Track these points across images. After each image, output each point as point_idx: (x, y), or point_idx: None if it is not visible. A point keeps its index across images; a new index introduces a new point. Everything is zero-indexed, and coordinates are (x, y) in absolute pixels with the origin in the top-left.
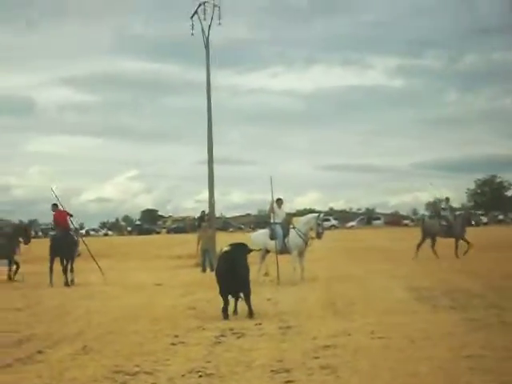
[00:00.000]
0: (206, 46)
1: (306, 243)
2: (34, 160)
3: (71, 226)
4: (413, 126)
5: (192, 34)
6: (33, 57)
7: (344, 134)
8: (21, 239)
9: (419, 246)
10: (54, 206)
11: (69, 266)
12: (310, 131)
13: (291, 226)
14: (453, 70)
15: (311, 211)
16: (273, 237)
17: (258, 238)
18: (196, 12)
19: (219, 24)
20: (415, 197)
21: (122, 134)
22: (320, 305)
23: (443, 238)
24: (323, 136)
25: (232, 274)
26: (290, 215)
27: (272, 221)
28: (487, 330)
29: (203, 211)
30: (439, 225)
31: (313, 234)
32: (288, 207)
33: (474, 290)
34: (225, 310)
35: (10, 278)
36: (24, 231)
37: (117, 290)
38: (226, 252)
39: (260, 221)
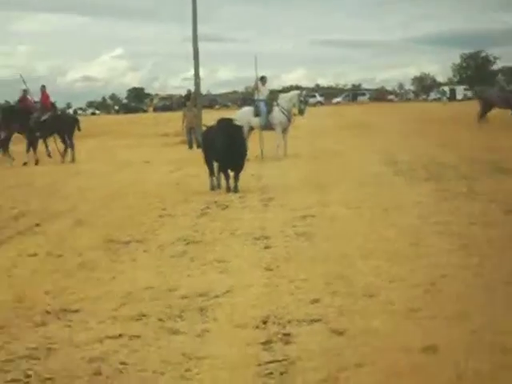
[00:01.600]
0: None
1: (289, 120)
2: (21, 39)
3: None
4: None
5: None
6: None
7: (330, 9)
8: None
9: (481, 115)
10: (43, 87)
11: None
12: (297, 7)
13: (274, 103)
14: None
15: (297, 88)
16: (257, 114)
17: (243, 115)
18: None
19: None
20: (403, 72)
21: (108, 11)
22: (300, 179)
23: (501, 109)
24: (310, 11)
25: (235, 150)
26: (274, 92)
27: (256, 98)
28: (456, 198)
29: (189, 90)
30: (497, 96)
31: (296, 110)
32: (275, 84)
33: (451, 162)
34: (217, 183)
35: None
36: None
37: (106, 167)
38: (227, 129)
39: (247, 98)
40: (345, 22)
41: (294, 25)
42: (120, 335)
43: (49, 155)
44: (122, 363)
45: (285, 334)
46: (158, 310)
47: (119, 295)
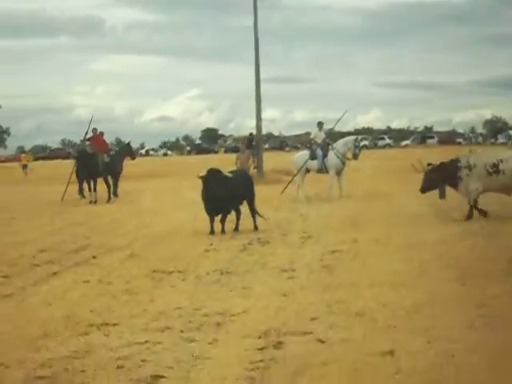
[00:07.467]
0: None
1: (344, 163)
2: (100, 79)
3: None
4: (472, 43)
5: None
6: None
7: (405, 51)
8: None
9: None
10: (95, 129)
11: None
12: (372, 49)
13: (330, 147)
14: None
15: (368, 130)
16: (313, 157)
17: (300, 158)
18: None
19: None
20: (478, 114)
21: (185, 53)
22: (343, 219)
23: None
24: (386, 53)
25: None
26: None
27: (313, 142)
28: (476, 237)
29: (251, 133)
30: None
31: (350, 154)
32: (350, 125)
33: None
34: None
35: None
36: (129, 149)
37: (167, 207)
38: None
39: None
40: (415, 65)
41: (370, 66)
42: (146, 341)
43: (115, 194)
44: (143, 360)
45: (278, 342)
46: (181, 324)
47: (152, 313)
